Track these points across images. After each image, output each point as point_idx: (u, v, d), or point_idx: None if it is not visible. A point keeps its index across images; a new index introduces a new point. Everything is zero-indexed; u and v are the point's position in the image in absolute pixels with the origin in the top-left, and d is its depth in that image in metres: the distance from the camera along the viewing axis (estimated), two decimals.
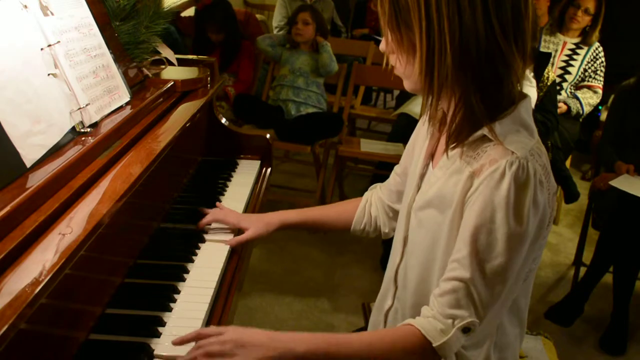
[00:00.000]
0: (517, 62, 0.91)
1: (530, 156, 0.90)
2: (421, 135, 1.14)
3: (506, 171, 0.88)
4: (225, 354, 0.90)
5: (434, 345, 0.91)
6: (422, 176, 1.08)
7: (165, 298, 1.11)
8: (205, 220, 1.36)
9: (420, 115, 1.20)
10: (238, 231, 1.37)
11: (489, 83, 0.91)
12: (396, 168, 1.28)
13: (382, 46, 1.00)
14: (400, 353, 0.94)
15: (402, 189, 1.23)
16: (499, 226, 0.89)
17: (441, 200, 0.99)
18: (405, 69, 0.96)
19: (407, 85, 1.00)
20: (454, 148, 0.97)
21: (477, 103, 0.91)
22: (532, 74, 2.98)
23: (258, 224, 1.32)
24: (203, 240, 1.34)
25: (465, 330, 0.92)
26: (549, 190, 0.93)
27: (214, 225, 1.39)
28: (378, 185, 1.35)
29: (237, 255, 1.34)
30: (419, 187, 1.07)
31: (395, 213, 1.27)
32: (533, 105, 2.96)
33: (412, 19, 0.89)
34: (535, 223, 0.91)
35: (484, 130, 0.93)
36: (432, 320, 0.93)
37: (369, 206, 1.32)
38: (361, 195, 1.37)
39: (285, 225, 1.34)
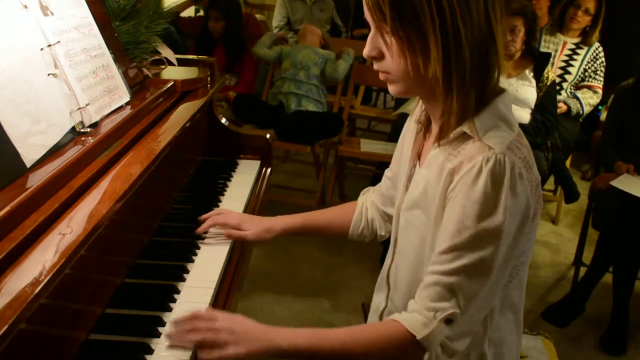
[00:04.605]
0: (502, 54, 0.93)
1: (508, 150, 0.91)
2: (408, 138, 1.14)
3: (483, 167, 0.89)
4: (217, 343, 0.93)
5: (417, 338, 0.92)
6: (410, 177, 1.08)
7: (165, 298, 1.11)
8: (204, 226, 1.33)
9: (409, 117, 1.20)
10: None
11: (485, 76, 0.92)
12: (387, 172, 1.27)
13: (371, 52, 0.96)
14: (383, 346, 0.95)
15: (393, 193, 1.23)
16: (478, 220, 0.90)
17: (425, 199, 1.00)
18: (413, 71, 0.92)
19: (398, 88, 0.97)
20: (437, 146, 0.99)
21: (472, 98, 0.92)
22: (532, 74, 2.98)
23: (259, 228, 1.30)
24: (203, 240, 1.33)
25: (448, 321, 0.93)
26: (530, 182, 0.93)
27: None
28: (370, 189, 1.35)
29: (237, 256, 1.34)
30: (407, 188, 1.08)
31: (388, 217, 1.27)
32: (533, 105, 2.97)
33: (422, 18, 0.87)
34: (517, 215, 0.92)
35: (464, 127, 0.94)
36: (415, 314, 0.94)
37: (365, 210, 1.32)
38: None
39: (287, 232, 1.32)
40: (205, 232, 1.35)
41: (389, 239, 1.22)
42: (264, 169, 1.82)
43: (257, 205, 1.61)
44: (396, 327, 0.95)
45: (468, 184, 0.90)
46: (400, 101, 4.19)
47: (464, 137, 0.95)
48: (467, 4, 0.87)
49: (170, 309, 1.08)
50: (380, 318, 1.18)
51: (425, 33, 0.88)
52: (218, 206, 1.52)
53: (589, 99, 3.52)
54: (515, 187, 0.90)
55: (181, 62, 1.78)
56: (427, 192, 1.00)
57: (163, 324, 1.04)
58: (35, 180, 0.94)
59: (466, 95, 0.92)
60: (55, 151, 1.04)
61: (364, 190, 1.37)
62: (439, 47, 0.88)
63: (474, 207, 0.90)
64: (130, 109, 1.32)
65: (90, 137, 1.14)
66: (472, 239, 0.90)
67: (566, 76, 3.55)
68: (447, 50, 0.88)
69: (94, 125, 1.19)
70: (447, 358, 0.96)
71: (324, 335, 0.96)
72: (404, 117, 3.50)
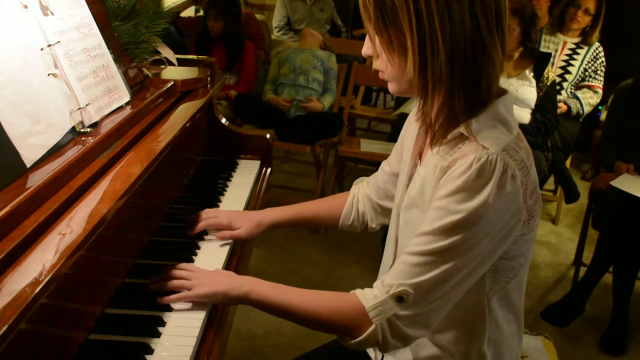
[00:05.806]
0: (498, 57, 0.92)
1: (503, 152, 0.91)
2: (409, 136, 1.15)
3: (473, 164, 0.90)
4: (187, 280, 1.08)
5: (365, 307, 0.96)
6: (410, 177, 1.09)
7: None
8: (197, 228, 1.33)
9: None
10: None
11: (472, 78, 0.92)
12: (384, 165, 1.29)
13: (367, 50, 1.00)
14: (333, 310, 1.00)
15: (389, 187, 1.26)
16: (454, 208, 0.91)
17: (422, 198, 1.01)
18: (398, 71, 0.95)
19: (394, 87, 1.00)
20: (435, 146, 0.99)
21: (460, 100, 0.93)
22: (532, 74, 2.98)
23: (250, 223, 1.33)
24: (203, 240, 1.34)
25: (399, 299, 0.94)
26: (525, 185, 0.93)
27: None
28: (365, 179, 1.37)
29: (237, 255, 1.34)
30: (407, 187, 1.09)
31: (382, 209, 1.29)
32: (533, 105, 2.96)
33: (401, 18, 0.89)
34: (503, 215, 0.91)
35: (461, 128, 0.94)
36: (372, 289, 0.99)
37: (356, 202, 1.34)
38: None
39: (277, 225, 1.35)
40: (205, 232, 1.35)
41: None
42: (264, 169, 1.82)
43: (257, 205, 1.61)
44: (350, 296, 1.00)
45: (454, 176, 0.92)
46: (400, 101, 4.20)
47: (461, 138, 0.96)
48: (447, 5, 0.87)
49: (170, 309, 1.08)
50: None
51: (403, 33, 0.90)
52: (218, 206, 1.52)
53: (589, 99, 3.52)
54: (504, 186, 0.90)
55: (181, 62, 1.78)
56: (424, 190, 1.01)
57: (163, 324, 1.04)
58: (35, 180, 0.94)
59: (451, 96, 0.93)
60: (55, 151, 1.04)
61: (357, 180, 1.38)
62: (415, 47, 0.89)
63: (451, 196, 0.91)
64: (130, 109, 1.32)
65: (90, 137, 1.14)
66: (445, 226, 0.91)
67: (566, 76, 3.55)
68: (423, 51, 0.89)
69: (94, 125, 1.19)
70: (399, 342, 0.97)
71: (283, 289, 1.05)
72: (404, 117, 3.50)
